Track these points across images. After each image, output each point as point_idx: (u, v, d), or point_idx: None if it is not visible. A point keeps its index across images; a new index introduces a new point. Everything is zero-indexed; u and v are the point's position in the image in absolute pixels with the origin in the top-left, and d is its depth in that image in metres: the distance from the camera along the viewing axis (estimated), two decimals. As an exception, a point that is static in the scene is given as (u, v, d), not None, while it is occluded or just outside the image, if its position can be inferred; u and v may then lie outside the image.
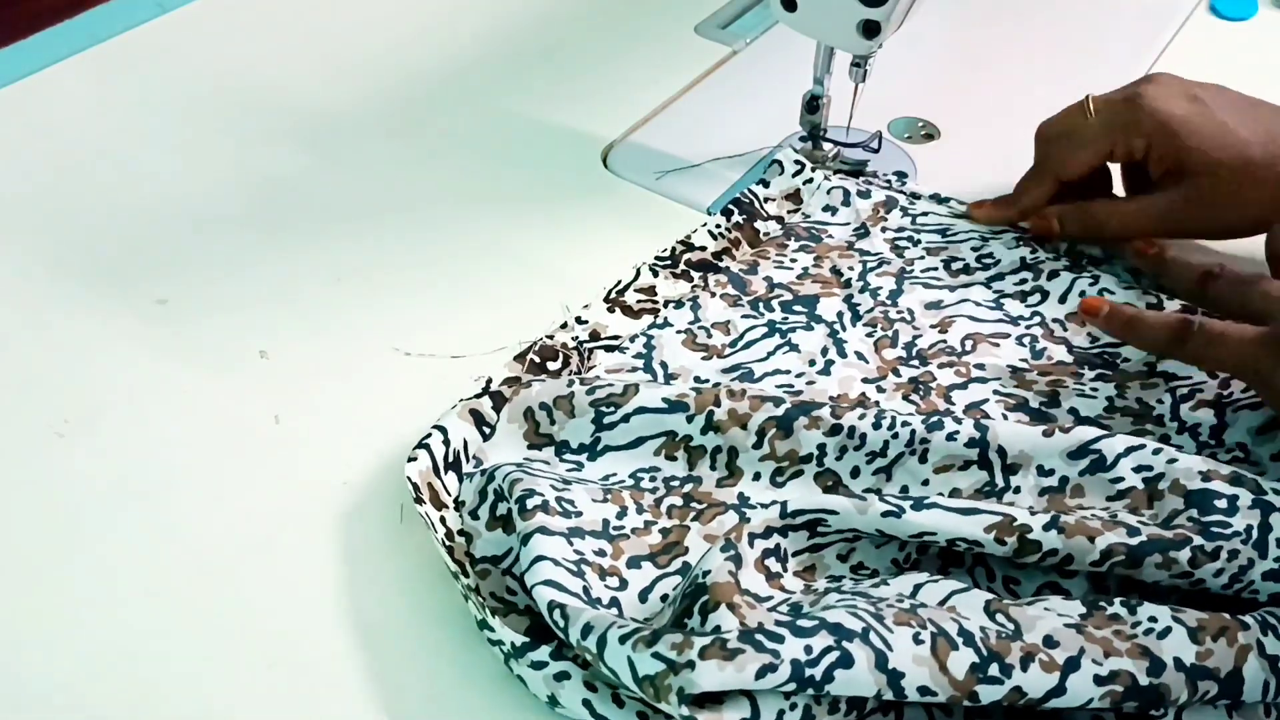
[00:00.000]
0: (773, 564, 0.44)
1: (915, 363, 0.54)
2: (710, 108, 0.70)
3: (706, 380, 0.53)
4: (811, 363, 0.54)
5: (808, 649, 0.37)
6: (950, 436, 0.47)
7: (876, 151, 0.66)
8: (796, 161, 0.64)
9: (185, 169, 0.66)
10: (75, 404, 0.52)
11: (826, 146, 0.65)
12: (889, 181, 0.64)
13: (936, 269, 0.59)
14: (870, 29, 0.58)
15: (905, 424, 0.48)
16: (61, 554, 0.47)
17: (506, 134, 0.69)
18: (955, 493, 0.47)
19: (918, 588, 0.42)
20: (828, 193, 0.63)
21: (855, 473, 0.48)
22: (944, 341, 0.55)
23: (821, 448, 0.48)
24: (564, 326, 0.55)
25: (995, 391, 0.52)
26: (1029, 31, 0.78)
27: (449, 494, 0.47)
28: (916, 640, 0.38)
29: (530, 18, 0.79)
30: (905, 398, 0.52)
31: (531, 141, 0.68)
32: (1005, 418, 0.51)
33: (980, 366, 0.54)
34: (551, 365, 0.53)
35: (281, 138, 0.68)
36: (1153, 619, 0.40)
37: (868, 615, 0.39)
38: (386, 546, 0.47)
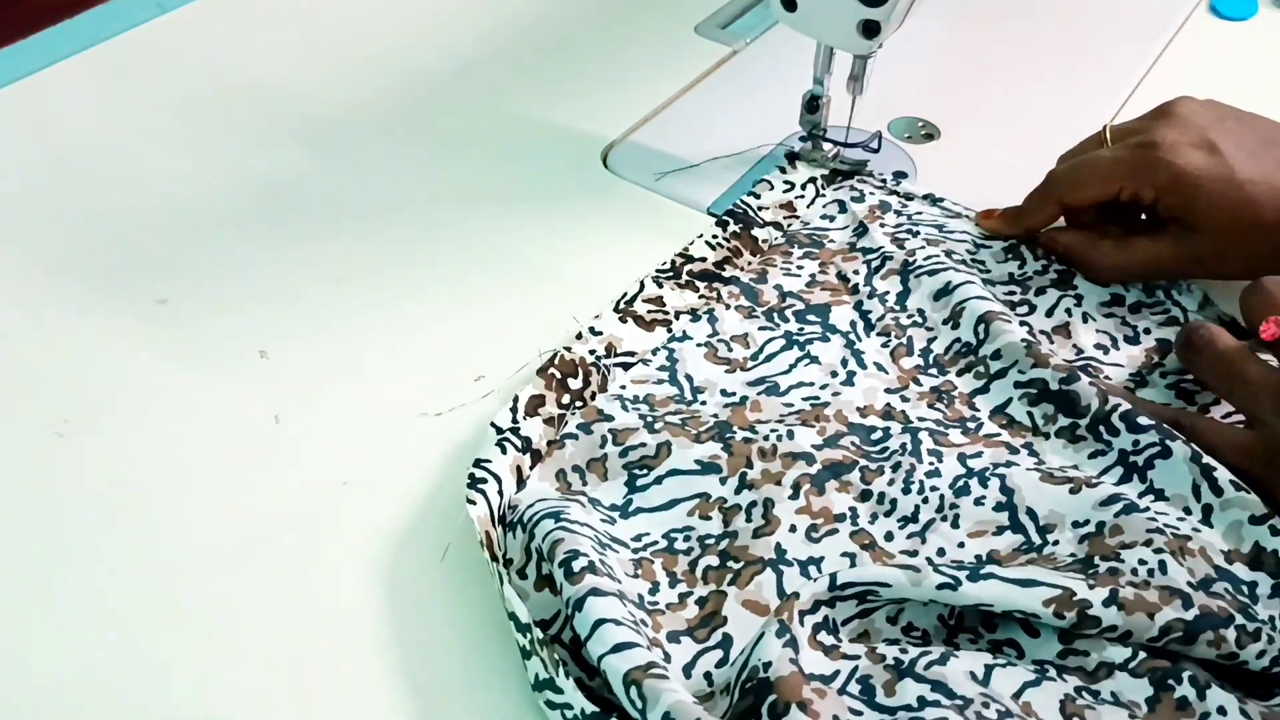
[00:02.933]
0: (825, 638, 0.43)
1: (934, 371, 0.54)
2: (710, 108, 0.70)
3: (734, 394, 0.53)
4: (834, 374, 0.54)
5: None
6: (978, 501, 0.47)
7: (876, 151, 0.66)
8: (786, 182, 0.64)
9: (185, 169, 0.66)
10: (75, 404, 0.52)
11: (826, 146, 0.65)
12: (883, 182, 0.65)
13: (938, 256, 0.59)
14: (870, 29, 0.58)
15: (934, 488, 0.48)
16: (61, 554, 0.47)
17: (506, 134, 0.69)
18: (993, 553, 0.46)
19: (989, 670, 0.42)
20: (824, 205, 0.63)
21: (889, 537, 0.47)
22: (958, 340, 0.55)
23: (853, 510, 0.48)
24: (579, 338, 0.54)
25: (1015, 384, 0.52)
26: (1029, 31, 0.78)
27: (500, 547, 0.46)
28: None
29: (530, 18, 0.79)
30: (930, 406, 0.52)
31: (531, 141, 0.68)
32: (1032, 422, 0.51)
33: (997, 356, 0.53)
34: (573, 383, 0.52)
35: (281, 138, 0.68)
36: (1221, 710, 0.40)
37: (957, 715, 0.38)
38: (387, 547, 0.47)
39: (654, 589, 0.45)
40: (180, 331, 0.56)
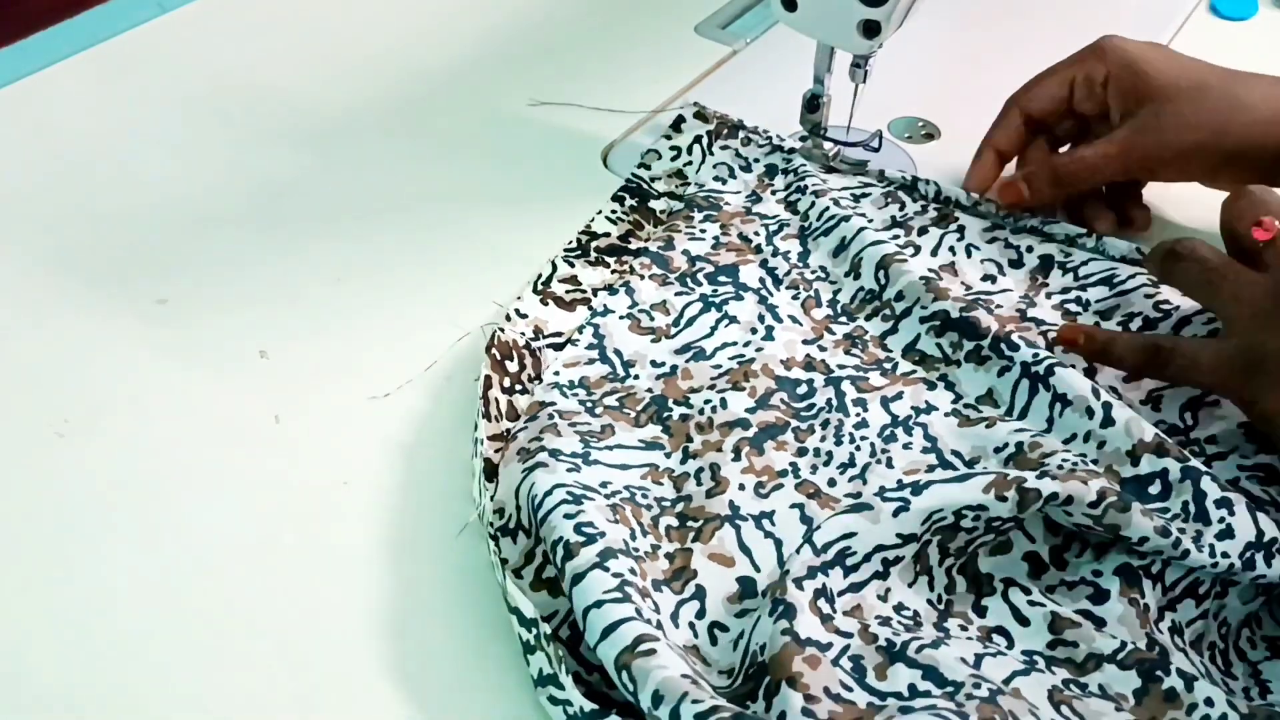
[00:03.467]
0: (824, 605, 0.43)
1: (844, 319, 0.57)
2: (710, 108, 0.70)
3: (663, 364, 0.54)
4: (754, 330, 0.56)
5: None
6: (906, 446, 0.50)
7: (877, 151, 0.66)
8: (673, 147, 0.66)
9: (185, 169, 0.66)
10: (75, 404, 0.52)
11: (827, 146, 0.65)
12: (768, 138, 0.66)
13: (829, 208, 0.61)
14: (870, 29, 0.58)
15: (864, 438, 0.50)
16: (61, 554, 0.47)
17: (506, 134, 0.69)
18: (931, 484, 0.47)
19: (979, 659, 0.42)
20: (714, 167, 0.65)
21: (832, 483, 0.49)
22: (862, 289, 0.57)
23: (794, 465, 0.50)
24: (508, 319, 0.55)
25: (920, 319, 0.55)
26: (1029, 31, 0.78)
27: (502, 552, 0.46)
28: None
29: (530, 18, 0.79)
30: (846, 352, 0.55)
31: (531, 141, 0.68)
32: (942, 353, 0.54)
33: (900, 297, 0.56)
34: (510, 366, 0.53)
35: (281, 138, 0.68)
36: (1209, 701, 0.40)
37: (951, 714, 0.38)
38: (387, 547, 0.47)
39: (632, 535, 0.46)
40: (180, 331, 0.56)
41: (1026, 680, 0.42)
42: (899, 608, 0.44)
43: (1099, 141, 0.58)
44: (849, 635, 0.42)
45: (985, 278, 0.59)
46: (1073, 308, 0.56)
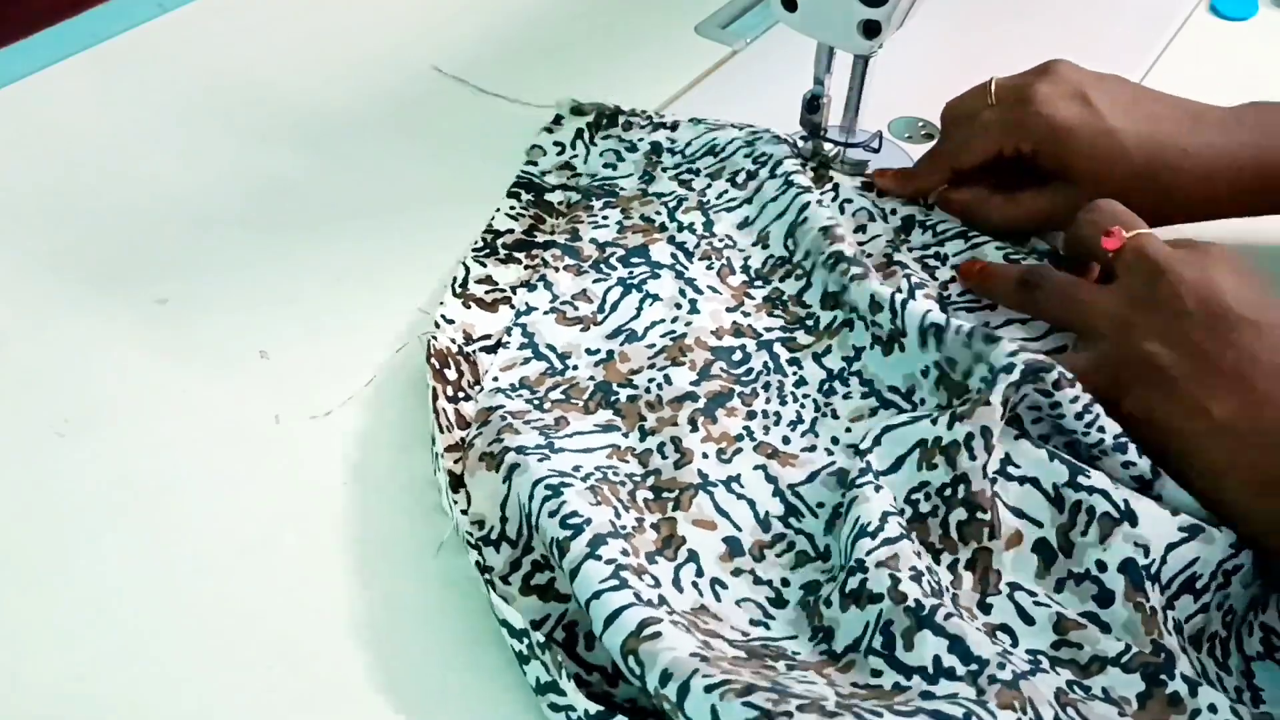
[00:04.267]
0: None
1: (759, 283, 0.58)
2: (710, 108, 0.70)
3: (598, 350, 0.54)
4: (678, 305, 0.56)
5: None
6: (846, 396, 0.53)
7: (877, 151, 0.66)
8: (556, 143, 0.66)
9: (185, 169, 0.66)
10: (75, 404, 0.52)
11: (827, 146, 0.65)
12: (648, 119, 0.67)
13: (727, 190, 0.62)
14: (870, 29, 0.58)
15: (806, 395, 0.53)
16: (61, 554, 0.47)
17: (507, 134, 0.69)
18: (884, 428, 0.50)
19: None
20: (601, 155, 0.66)
21: (786, 441, 0.51)
22: (771, 256, 0.59)
23: (748, 429, 0.51)
24: (437, 326, 0.54)
25: (824, 264, 0.56)
26: (1029, 32, 0.78)
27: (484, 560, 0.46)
28: None
29: (530, 18, 0.79)
30: (769, 314, 0.56)
31: (532, 141, 0.68)
32: (851, 308, 0.55)
33: (806, 255, 0.58)
34: (449, 374, 0.52)
35: (281, 138, 0.68)
36: (1212, 708, 0.40)
37: (969, 701, 0.39)
38: (387, 547, 0.47)
39: (617, 513, 0.46)
40: (180, 331, 0.56)
41: (1033, 680, 0.41)
42: (930, 569, 0.45)
43: (1025, 202, 0.59)
44: (880, 600, 0.42)
45: (858, 229, 0.60)
46: (931, 262, 0.59)
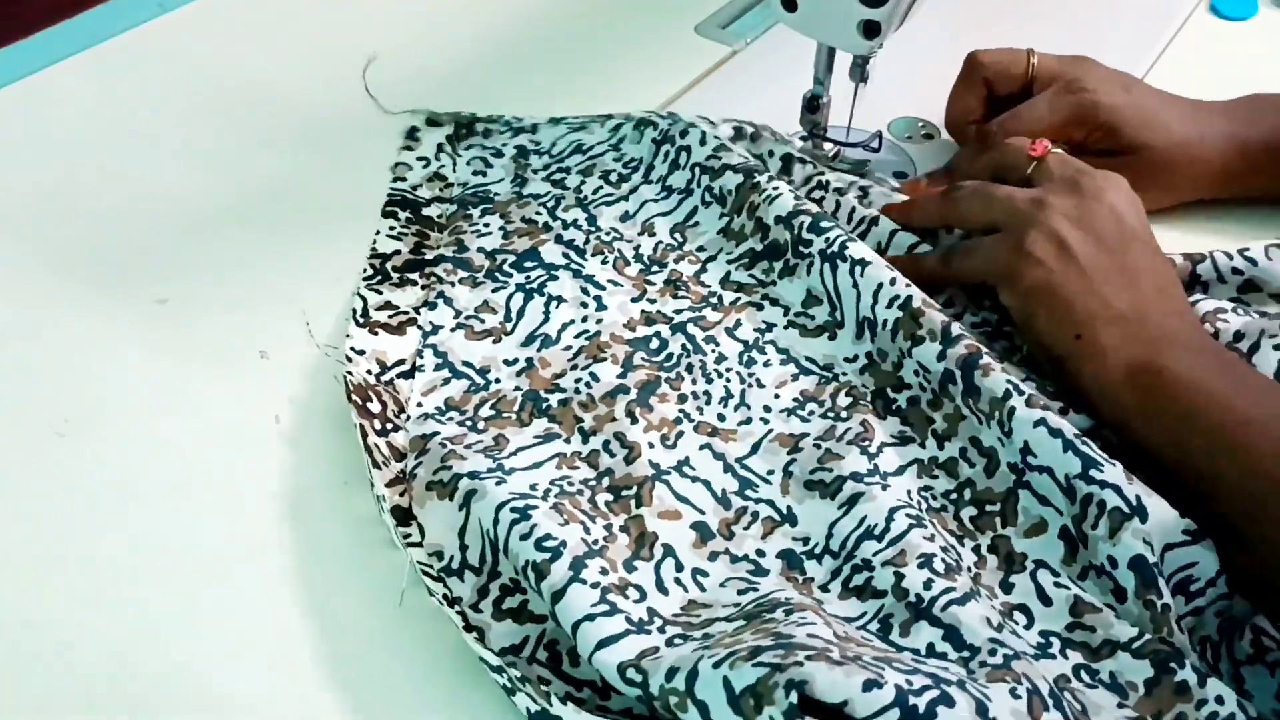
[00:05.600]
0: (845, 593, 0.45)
1: (656, 268, 0.58)
2: (710, 108, 0.70)
3: (516, 360, 0.54)
4: (584, 304, 0.56)
5: (908, 681, 0.37)
6: (766, 364, 0.54)
7: (876, 151, 0.66)
8: (420, 158, 0.66)
9: (185, 169, 0.66)
10: (75, 404, 0.52)
11: (827, 146, 0.65)
12: (508, 124, 0.68)
13: (601, 187, 0.63)
14: (870, 29, 0.58)
15: (729, 368, 0.53)
16: (61, 554, 0.47)
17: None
18: (805, 392, 0.53)
19: (999, 629, 0.43)
20: (469, 164, 0.65)
21: (722, 418, 0.52)
22: (660, 243, 0.60)
23: (684, 412, 0.52)
24: (349, 359, 0.53)
25: (728, 261, 0.58)
26: (1029, 32, 0.78)
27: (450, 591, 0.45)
28: (1014, 695, 0.39)
29: (530, 18, 0.79)
30: (674, 297, 0.57)
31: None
32: (757, 280, 0.57)
33: (702, 249, 0.59)
34: (373, 407, 0.51)
35: (281, 138, 0.68)
36: (1219, 699, 0.41)
37: (961, 672, 0.39)
38: (388, 547, 0.47)
39: (586, 529, 0.46)
40: (180, 331, 0.56)
41: (1033, 662, 0.42)
42: (947, 548, 0.45)
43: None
44: (883, 596, 0.43)
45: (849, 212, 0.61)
46: (817, 194, 0.60)
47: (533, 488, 0.47)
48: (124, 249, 0.61)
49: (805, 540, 0.47)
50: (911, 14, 0.59)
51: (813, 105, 0.64)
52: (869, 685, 0.36)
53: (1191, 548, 0.44)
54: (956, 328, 0.51)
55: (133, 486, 0.49)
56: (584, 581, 0.42)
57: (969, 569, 0.45)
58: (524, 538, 0.44)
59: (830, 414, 0.51)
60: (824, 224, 0.56)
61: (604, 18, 0.79)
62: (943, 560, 0.44)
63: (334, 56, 0.75)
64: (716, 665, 0.38)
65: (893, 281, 0.53)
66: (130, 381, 0.54)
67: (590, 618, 0.41)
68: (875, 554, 0.45)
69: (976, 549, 0.47)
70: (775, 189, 0.58)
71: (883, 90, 0.64)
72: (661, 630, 0.42)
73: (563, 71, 0.74)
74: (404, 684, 0.43)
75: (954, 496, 0.48)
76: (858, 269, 0.54)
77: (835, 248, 0.55)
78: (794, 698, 0.36)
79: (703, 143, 0.62)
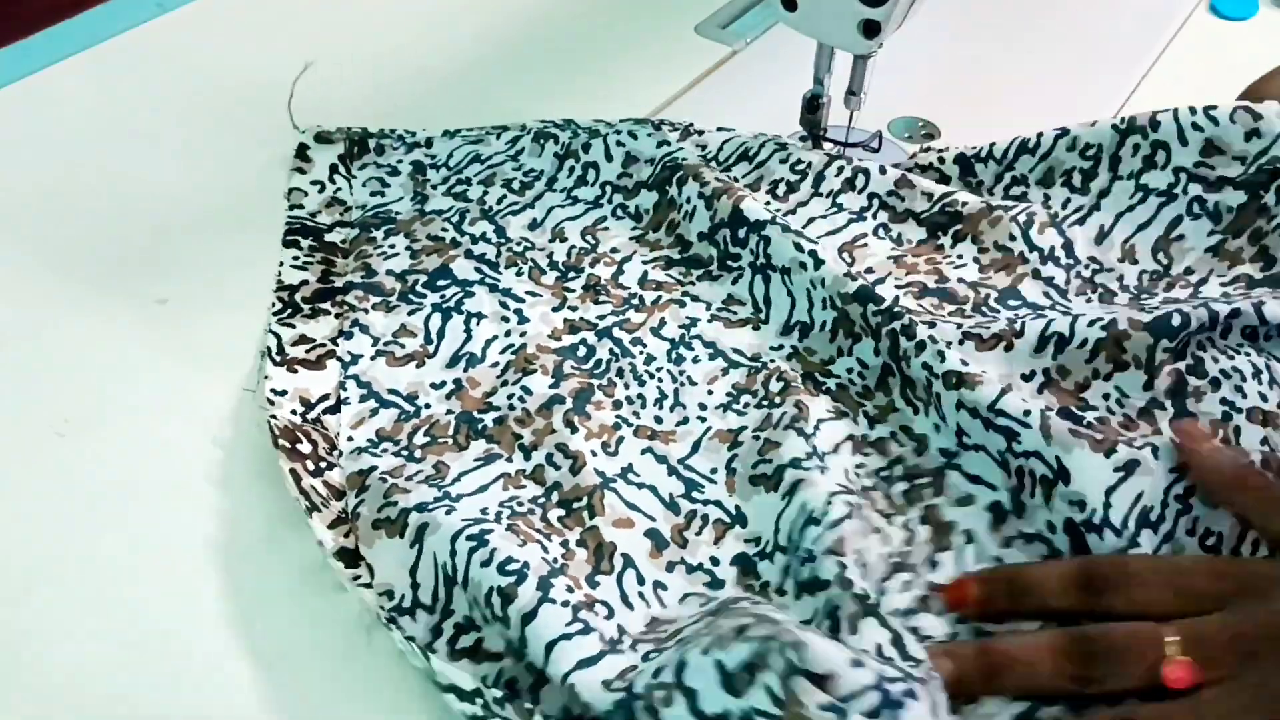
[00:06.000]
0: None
1: (571, 275, 0.58)
2: (710, 108, 0.70)
3: (444, 383, 0.53)
4: (504, 319, 0.56)
5: (883, 669, 0.37)
6: (695, 360, 0.54)
7: (876, 151, 0.66)
8: (314, 182, 0.64)
9: (185, 169, 0.66)
10: (75, 404, 0.52)
11: (827, 146, 0.65)
12: (400, 139, 0.67)
13: (505, 195, 0.63)
14: (870, 29, 0.58)
15: (659, 368, 0.53)
16: (61, 554, 0.47)
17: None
18: (736, 385, 0.52)
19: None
20: (364, 184, 0.64)
21: (659, 420, 0.52)
22: (573, 248, 0.59)
23: (620, 417, 0.51)
24: (271, 403, 0.51)
25: (643, 263, 0.58)
26: (1029, 31, 0.78)
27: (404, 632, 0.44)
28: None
29: (530, 18, 0.79)
30: (595, 302, 0.57)
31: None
32: (676, 279, 0.57)
33: (615, 250, 0.59)
34: (303, 448, 0.49)
35: (282, 138, 0.68)
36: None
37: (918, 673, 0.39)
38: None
39: (544, 547, 0.45)
40: (180, 331, 0.56)
41: None
42: (881, 532, 0.46)
43: None
44: (826, 586, 0.43)
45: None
46: (741, 166, 0.61)
47: (483, 512, 0.46)
48: (124, 249, 0.61)
49: (757, 540, 0.47)
50: (911, 14, 0.59)
51: (813, 105, 0.64)
52: (855, 663, 0.37)
53: (1130, 480, 0.44)
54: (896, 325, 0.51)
55: (133, 486, 0.49)
56: (554, 601, 0.42)
57: (895, 553, 0.45)
58: (484, 564, 0.43)
59: (765, 402, 0.51)
60: (749, 219, 0.56)
61: (604, 18, 0.79)
62: (879, 556, 0.45)
63: (334, 56, 0.75)
64: (705, 651, 0.38)
65: (824, 282, 0.53)
66: (130, 381, 0.54)
67: (567, 636, 0.41)
68: (815, 540, 0.44)
69: (906, 524, 0.46)
70: (690, 204, 0.58)
71: (883, 90, 0.64)
72: (634, 648, 0.41)
73: (563, 71, 0.74)
74: (404, 684, 0.43)
75: (885, 474, 0.48)
76: (786, 277, 0.55)
77: (763, 259, 0.56)
78: (791, 655, 0.36)
79: (609, 158, 0.62)
